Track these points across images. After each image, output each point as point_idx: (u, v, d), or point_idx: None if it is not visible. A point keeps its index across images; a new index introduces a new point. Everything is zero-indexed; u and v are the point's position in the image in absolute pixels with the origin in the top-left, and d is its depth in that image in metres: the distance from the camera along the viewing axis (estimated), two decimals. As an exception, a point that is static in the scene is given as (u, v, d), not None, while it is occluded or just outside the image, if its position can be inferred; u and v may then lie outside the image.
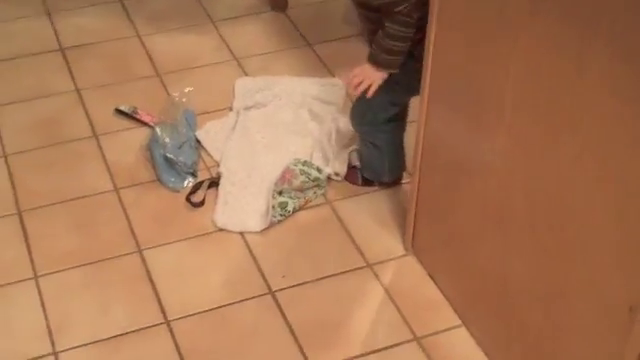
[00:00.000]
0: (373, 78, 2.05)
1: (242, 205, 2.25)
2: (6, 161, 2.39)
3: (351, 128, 2.35)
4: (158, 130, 2.36)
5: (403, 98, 2.15)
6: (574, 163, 1.44)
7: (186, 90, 2.47)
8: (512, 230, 1.67)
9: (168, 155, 2.31)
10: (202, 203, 2.26)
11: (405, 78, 2.05)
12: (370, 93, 2.07)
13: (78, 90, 2.64)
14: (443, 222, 1.96)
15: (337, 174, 2.34)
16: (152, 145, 2.38)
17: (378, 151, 2.24)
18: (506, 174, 1.65)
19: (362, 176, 2.33)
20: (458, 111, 1.78)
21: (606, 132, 1.34)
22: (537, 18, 1.43)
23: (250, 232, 2.18)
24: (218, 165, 2.37)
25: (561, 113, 1.44)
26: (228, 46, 2.83)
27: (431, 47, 1.78)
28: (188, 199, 2.26)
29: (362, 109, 2.20)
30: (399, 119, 2.22)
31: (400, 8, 1.92)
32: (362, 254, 2.14)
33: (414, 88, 1.96)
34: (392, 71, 2.03)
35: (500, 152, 1.64)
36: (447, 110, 1.83)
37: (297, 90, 2.63)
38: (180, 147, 2.34)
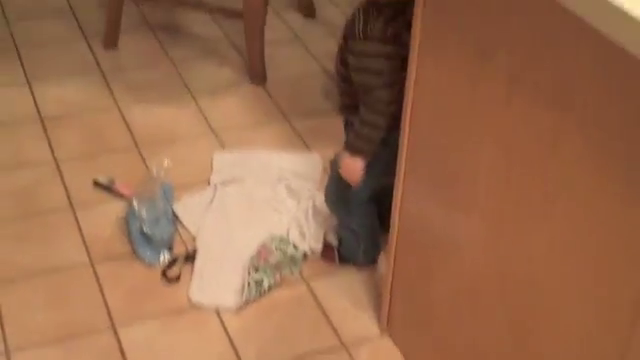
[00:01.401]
0: (356, 167, 2.06)
1: (218, 281, 2.25)
2: (-20, 232, 2.38)
3: (327, 205, 2.37)
4: (135, 204, 2.37)
5: (376, 182, 2.16)
6: (547, 246, 1.46)
7: (164, 163, 2.48)
8: (486, 311, 1.69)
9: (145, 229, 2.31)
10: (178, 278, 2.25)
11: (378, 164, 2.07)
12: (356, 183, 2.10)
13: (56, 160, 2.64)
14: (418, 302, 1.97)
15: (313, 252, 2.34)
16: (129, 218, 2.38)
17: (353, 233, 2.26)
18: (480, 255, 1.67)
19: (338, 255, 2.34)
20: (433, 193, 1.80)
21: (579, 217, 1.36)
22: (511, 103, 1.46)
23: (225, 309, 2.18)
24: (194, 240, 2.37)
25: (534, 197, 1.46)
26: (206, 119, 2.85)
27: (406, 130, 1.81)
28: (164, 274, 2.26)
29: (335, 191, 2.23)
30: (373, 202, 2.23)
31: (378, 94, 1.96)
32: (337, 334, 2.13)
33: (387, 173, 1.99)
34: (367, 159, 2.05)
35: (474, 234, 1.66)
36: (422, 192, 1.85)
37: (274, 165, 2.65)
38: (157, 221, 2.34)
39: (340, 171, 2.11)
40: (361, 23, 1.95)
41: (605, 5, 1.14)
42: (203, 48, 3.21)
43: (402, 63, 1.85)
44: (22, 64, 3.07)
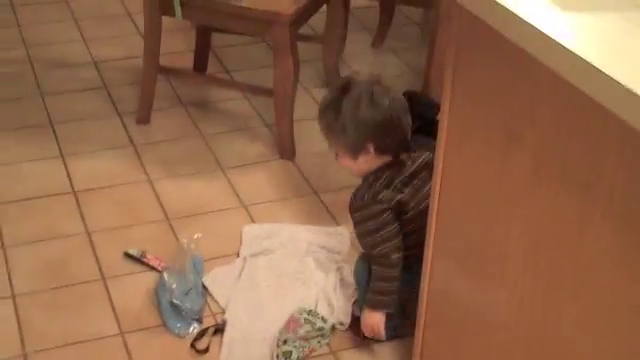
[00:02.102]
0: (376, 321, 2.21)
1: (246, 354, 2.27)
2: (14, 302, 2.42)
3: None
4: (165, 276, 2.40)
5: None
6: (576, 327, 1.46)
7: (194, 236, 2.52)
8: (516, 389, 1.68)
9: (174, 301, 2.34)
10: (207, 350, 2.27)
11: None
12: (381, 337, 2.23)
13: (88, 233, 2.69)
14: (447, 377, 1.97)
15: (342, 324, 2.36)
16: (159, 290, 2.41)
17: None
18: (508, 333, 1.67)
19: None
20: (461, 271, 1.82)
21: (606, 298, 1.37)
22: (538, 185, 1.48)
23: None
24: (224, 312, 2.39)
25: (562, 276, 1.47)
26: (236, 193, 2.89)
27: (435, 206, 1.84)
28: (193, 346, 2.28)
29: (363, 271, 2.32)
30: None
31: (378, 250, 2.15)
32: (366, 407, 2.14)
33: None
34: (389, 311, 2.21)
35: (502, 312, 1.67)
36: (451, 267, 1.86)
37: (303, 238, 2.69)
38: (187, 293, 2.37)
39: (362, 328, 2.24)
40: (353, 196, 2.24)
41: (631, 98, 1.17)
42: (233, 124, 3.28)
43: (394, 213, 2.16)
44: (56, 138, 3.15)
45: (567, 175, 1.41)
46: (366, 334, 2.26)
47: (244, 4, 2.84)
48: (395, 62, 3.72)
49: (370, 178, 2.23)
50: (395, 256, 2.18)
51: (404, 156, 2.23)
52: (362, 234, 2.24)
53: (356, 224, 2.24)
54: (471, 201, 1.71)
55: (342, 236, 2.71)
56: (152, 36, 3.08)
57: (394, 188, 2.20)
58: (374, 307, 2.21)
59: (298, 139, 3.10)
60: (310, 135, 3.19)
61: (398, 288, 2.19)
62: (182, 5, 2.91)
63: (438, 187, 1.80)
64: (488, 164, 1.62)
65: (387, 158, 2.23)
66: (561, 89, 1.34)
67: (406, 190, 2.20)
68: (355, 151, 2.22)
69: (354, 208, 2.24)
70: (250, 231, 2.72)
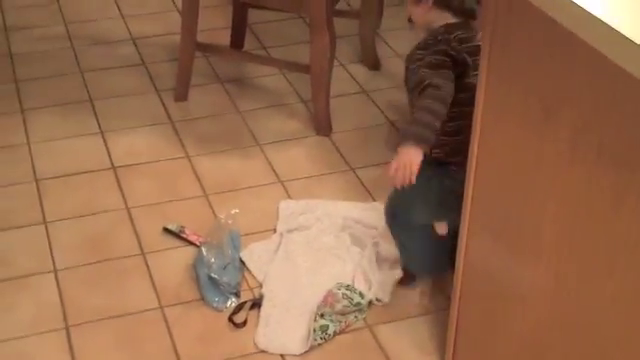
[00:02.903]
0: (410, 157, 1.97)
1: (283, 328, 2.29)
2: (56, 276, 2.46)
3: (393, 252, 2.42)
4: (204, 250, 2.43)
5: (432, 213, 2.26)
6: (610, 302, 1.47)
7: (232, 212, 2.55)
8: (551, 363, 1.70)
9: (213, 275, 2.37)
10: (244, 324, 2.30)
11: (439, 196, 2.18)
12: (413, 178, 1.98)
13: (128, 208, 2.72)
14: (482, 351, 1.98)
15: (378, 300, 2.37)
16: (197, 265, 2.44)
17: (407, 252, 2.33)
18: (544, 307, 1.68)
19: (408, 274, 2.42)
20: (497, 244, 1.82)
21: (642, 273, 1.38)
22: (575, 160, 1.48)
23: (290, 355, 2.22)
24: (261, 286, 2.42)
25: (598, 251, 1.48)
26: (273, 169, 2.91)
27: (471, 181, 1.85)
28: (231, 319, 2.31)
29: (395, 209, 2.31)
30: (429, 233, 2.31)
31: (429, 81, 2.02)
32: (401, 380, 2.16)
33: (449, 208, 2.07)
34: (424, 145, 1.97)
35: (538, 285, 1.68)
36: (487, 242, 1.87)
37: (338, 214, 2.70)
38: (225, 268, 2.40)
39: (397, 163, 2.01)
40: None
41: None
42: (270, 100, 3.29)
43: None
44: (95, 114, 3.18)
45: (604, 149, 1.41)
46: (397, 177, 2.01)
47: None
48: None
49: (441, 30, 2.16)
50: (446, 91, 1.99)
51: (473, 24, 2.17)
52: (416, 71, 2.08)
53: (414, 60, 2.13)
54: (507, 176, 1.72)
55: (378, 211, 2.72)
56: (190, 13, 3.10)
57: (468, 46, 2.12)
58: (407, 137, 1.98)
59: (334, 115, 3.11)
60: (347, 111, 3.21)
61: (437, 128, 1.98)
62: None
63: (475, 162, 1.81)
64: (525, 139, 1.62)
65: (447, 16, 2.17)
66: (597, 62, 1.34)
67: (471, 59, 2.10)
68: None
69: (417, 47, 2.15)
70: (286, 207, 2.74)
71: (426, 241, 2.33)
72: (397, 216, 2.32)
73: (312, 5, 2.85)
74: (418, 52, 2.16)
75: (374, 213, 2.71)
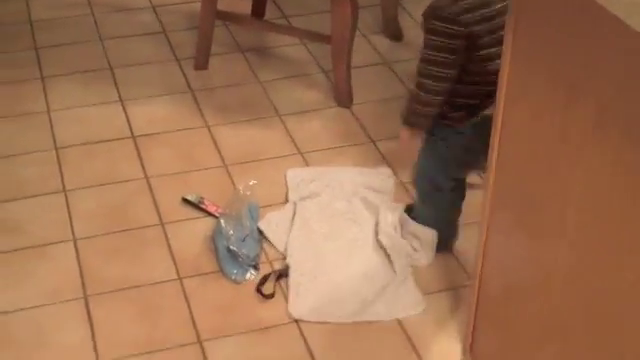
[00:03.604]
0: (406, 143, 2.28)
1: (314, 295, 2.30)
2: (75, 245, 2.46)
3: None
4: (222, 222, 2.42)
5: (453, 173, 2.31)
6: (635, 281, 1.45)
7: (250, 183, 2.54)
8: (571, 345, 1.68)
9: (231, 247, 2.36)
10: (273, 295, 2.29)
11: (451, 152, 2.26)
12: (414, 154, 2.31)
13: (147, 178, 2.72)
14: (503, 330, 1.97)
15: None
16: (216, 236, 2.44)
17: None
18: (567, 286, 1.66)
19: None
20: (520, 222, 1.80)
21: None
22: (600, 137, 1.46)
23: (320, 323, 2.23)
24: (284, 257, 2.41)
25: (623, 230, 1.46)
26: (293, 140, 2.90)
27: (493, 160, 1.82)
28: (259, 290, 2.30)
29: (416, 175, 2.42)
30: (454, 192, 2.37)
31: (428, 69, 2.11)
32: (419, 356, 2.15)
33: (464, 164, 2.24)
34: (420, 129, 2.26)
35: (562, 267, 1.66)
36: (509, 220, 1.85)
37: (347, 179, 2.70)
38: (243, 239, 2.39)
39: (399, 148, 2.34)
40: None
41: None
42: (291, 70, 3.27)
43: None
44: (115, 82, 3.17)
45: (630, 127, 1.38)
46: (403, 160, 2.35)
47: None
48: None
49: None
50: (436, 86, 2.14)
51: None
52: (426, 45, 2.12)
53: (428, 31, 2.11)
54: (531, 153, 1.69)
55: (385, 175, 2.73)
56: (210, -19, 3.07)
57: (475, 16, 2.09)
58: (406, 125, 2.27)
59: (355, 86, 3.08)
60: (368, 82, 3.18)
61: (433, 113, 2.21)
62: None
63: (498, 138, 1.79)
64: (550, 115, 1.59)
65: None
66: (623, 37, 1.31)
67: (483, 25, 2.09)
68: None
69: (434, 15, 2.09)
70: (294, 175, 2.73)
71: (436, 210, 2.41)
72: (417, 183, 2.44)
73: (334, -25, 2.81)
74: (433, 24, 2.09)
75: (381, 177, 2.74)
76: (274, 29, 3.33)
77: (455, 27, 2.06)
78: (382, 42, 3.45)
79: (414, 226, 2.45)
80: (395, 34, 3.46)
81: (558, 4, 1.51)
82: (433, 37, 2.09)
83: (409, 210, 2.51)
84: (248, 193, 2.52)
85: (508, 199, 1.83)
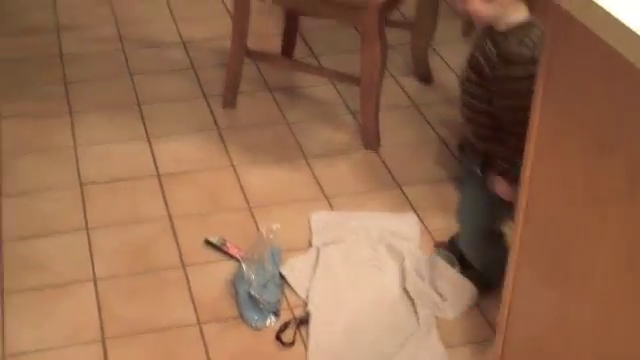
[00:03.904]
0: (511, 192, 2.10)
1: (334, 344, 2.27)
2: (95, 285, 2.44)
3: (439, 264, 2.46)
4: (244, 266, 2.39)
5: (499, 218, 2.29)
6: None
7: (274, 227, 2.51)
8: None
9: (252, 293, 2.33)
10: (292, 343, 2.25)
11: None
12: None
13: (170, 217, 2.70)
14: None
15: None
16: (237, 281, 2.41)
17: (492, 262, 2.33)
18: (594, 346, 1.61)
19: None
20: (547, 279, 1.76)
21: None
22: (632, 197, 1.42)
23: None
24: (303, 305, 2.38)
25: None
26: (319, 183, 2.87)
27: (521, 212, 1.78)
28: (278, 338, 2.27)
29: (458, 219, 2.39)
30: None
31: (522, 116, 1.78)
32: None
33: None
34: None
35: (589, 324, 1.61)
36: (536, 276, 1.80)
37: (372, 225, 2.66)
38: (265, 285, 2.36)
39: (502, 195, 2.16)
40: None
41: None
42: (319, 111, 3.25)
43: None
44: (143, 118, 3.16)
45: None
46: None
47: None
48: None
49: (519, 33, 2.01)
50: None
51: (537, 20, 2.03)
52: (512, 93, 2.00)
53: (512, 79, 1.99)
54: (560, 210, 1.65)
55: (412, 222, 2.69)
56: (241, 19, 3.06)
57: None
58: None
59: (383, 129, 3.06)
60: (396, 125, 3.15)
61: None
62: (272, -10, 2.88)
63: (526, 192, 1.74)
64: (580, 171, 1.55)
65: (523, 11, 2.02)
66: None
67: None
68: None
69: (519, 57, 1.98)
70: (319, 219, 2.70)
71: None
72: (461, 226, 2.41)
73: (365, 15, 2.79)
74: (520, 68, 2.00)
75: (408, 224, 2.69)
76: (303, 69, 3.31)
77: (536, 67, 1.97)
78: (411, 84, 3.42)
79: (453, 274, 2.41)
80: (425, 76, 3.43)
81: (590, 59, 1.47)
82: (526, 82, 1.89)
83: (451, 251, 2.48)
84: (271, 237, 2.48)
85: (535, 255, 1.79)
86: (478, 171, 2.20)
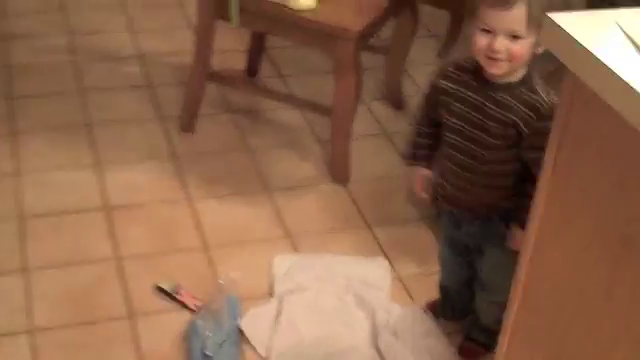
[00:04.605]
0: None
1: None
2: (32, 337, 2.20)
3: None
4: (199, 322, 2.17)
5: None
6: None
7: (232, 275, 2.29)
8: None
9: (207, 353, 2.11)
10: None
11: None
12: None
13: (118, 258, 2.46)
14: None
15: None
16: (191, 337, 2.18)
17: None
18: None
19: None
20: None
21: None
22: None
23: None
24: (262, 361, 2.17)
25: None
26: (282, 220, 2.65)
27: (515, 302, 1.58)
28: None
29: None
30: None
31: None
32: None
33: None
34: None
35: None
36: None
37: (340, 271, 2.45)
38: (221, 345, 2.14)
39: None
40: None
41: None
42: (284, 138, 3.03)
43: None
44: (93, 142, 2.92)
45: None
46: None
47: (305, 14, 2.56)
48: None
49: (528, 78, 1.85)
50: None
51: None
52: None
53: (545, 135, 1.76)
54: (565, 305, 1.44)
55: (383, 269, 2.48)
56: (204, 42, 2.82)
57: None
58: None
59: (352, 160, 2.83)
60: (366, 156, 2.94)
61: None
62: (240, 11, 2.64)
63: (523, 277, 1.54)
64: (593, 264, 1.35)
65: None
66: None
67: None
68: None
69: (549, 112, 1.77)
70: (281, 264, 2.48)
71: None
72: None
73: (340, 46, 2.56)
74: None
75: (378, 271, 2.48)
76: (270, 95, 3.07)
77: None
78: (382, 109, 3.21)
79: (430, 331, 2.24)
80: (397, 102, 3.23)
81: (611, 136, 1.27)
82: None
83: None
84: (229, 287, 2.26)
85: (531, 336, 1.58)
86: (503, 230, 1.99)
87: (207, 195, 2.73)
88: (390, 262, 2.52)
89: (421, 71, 3.39)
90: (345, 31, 2.53)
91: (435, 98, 1.98)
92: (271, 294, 2.37)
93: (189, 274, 2.42)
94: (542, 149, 1.79)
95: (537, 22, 1.69)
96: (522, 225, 1.92)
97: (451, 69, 1.95)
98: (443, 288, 2.30)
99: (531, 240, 1.48)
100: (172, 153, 2.91)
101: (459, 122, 1.93)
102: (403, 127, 3.12)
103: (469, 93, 1.90)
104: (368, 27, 2.60)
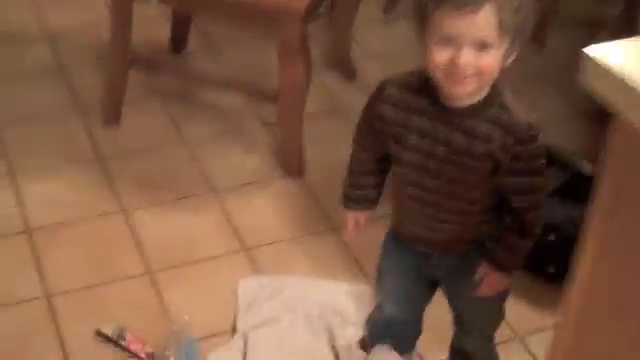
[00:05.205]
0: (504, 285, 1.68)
1: None
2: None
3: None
4: (152, 379, 1.82)
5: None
6: None
7: (185, 317, 1.94)
8: None
9: (166, 416, 1.77)
10: None
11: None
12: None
13: (48, 297, 2.08)
14: None
15: None
16: (144, 396, 1.84)
17: None
18: None
19: None
20: None
21: None
22: None
23: None
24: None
25: None
26: (235, 229, 2.30)
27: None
28: None
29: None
30: None
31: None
32: None
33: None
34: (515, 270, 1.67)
35: None
36: None
37: (312, 299, 2.12)
38: (180, 405, 1.80)
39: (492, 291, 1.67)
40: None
41: None
42: (224, 124, 2.65)
43: None
44: (2, 145, 2.50)
45: None
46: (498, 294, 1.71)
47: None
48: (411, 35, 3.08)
49: (496, 95, 1.49)
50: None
51: None
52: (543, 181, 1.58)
53: (541, 156, 1.54)
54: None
55: (363, 297, 2.13)
56: (120, 21, 2.42)
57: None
58: (509, 269, 1.65)
59: (306, 142, 2.47)
60: (320, 140, 2.58)
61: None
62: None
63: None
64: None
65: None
66: None
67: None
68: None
69: (529, 133, 1.50)
70: (246, 290, 2.13)
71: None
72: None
73: (284, 28, 2.18)
74: (539, 147, 1.53)
75: (357, 300, 2.12)
76: (203, 80, 2.68)
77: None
78: (332, 81, 2.85)
79: None
80: (347, 71, 2.87)
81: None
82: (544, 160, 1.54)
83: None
84: (184, 330, 1.92)
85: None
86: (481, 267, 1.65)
87: (144, 204, 2.35)
88: (362, 269, 2.19)
89: (368, 32, 3.03)
90: (289, 11, 2.15)
91: (377, 127, 1.58)
92: (234, 329, 2.03)
93: (134, 310, 2.06)
94: (523, 174, 1.51)
95: (509, 27, 1.38)
96: (499, 266, 1.61)
97: (394, 90, 1.54)
98: (384, 323, 1.91)
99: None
100: (95, 153, 2.51)
101: (418, 156, 1.54)
102: (358, 100, 2.75)
103: (426, 121, 1.51)
104: (314, 3, 2.22)
